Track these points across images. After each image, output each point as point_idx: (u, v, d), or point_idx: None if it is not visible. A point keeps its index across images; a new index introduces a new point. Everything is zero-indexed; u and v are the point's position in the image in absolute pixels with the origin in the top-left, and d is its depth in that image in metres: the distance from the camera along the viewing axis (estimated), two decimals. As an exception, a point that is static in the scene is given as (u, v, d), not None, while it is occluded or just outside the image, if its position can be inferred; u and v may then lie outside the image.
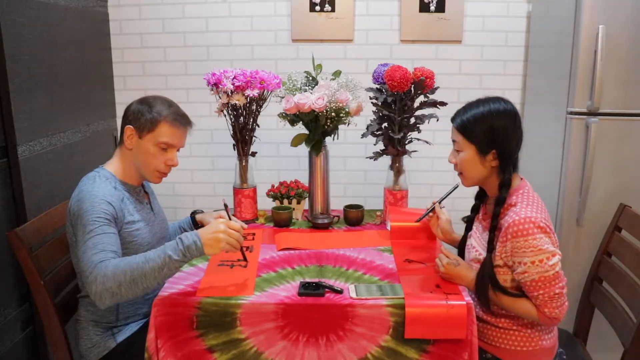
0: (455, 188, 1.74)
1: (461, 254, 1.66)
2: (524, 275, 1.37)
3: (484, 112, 1.45)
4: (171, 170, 1.64)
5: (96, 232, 1.41)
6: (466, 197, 1.99)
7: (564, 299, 1.38)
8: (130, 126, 1.56)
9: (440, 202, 1.77)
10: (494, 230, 1.46)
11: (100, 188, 1.50)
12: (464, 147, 1.48)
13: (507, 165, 1.46)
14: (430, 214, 1.77)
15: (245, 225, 1.48)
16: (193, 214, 1.98)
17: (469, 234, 1.65)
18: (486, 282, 1.45)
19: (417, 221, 1.79)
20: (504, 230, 1.41)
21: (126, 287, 1.33)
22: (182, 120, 1.60)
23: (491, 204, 1.52)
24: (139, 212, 1.61)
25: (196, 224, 1.96)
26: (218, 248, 1.37)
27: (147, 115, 1.55)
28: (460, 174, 1.55)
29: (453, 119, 1.52)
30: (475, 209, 1.66)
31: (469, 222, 1.67)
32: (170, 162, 1.60)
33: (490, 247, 1.47)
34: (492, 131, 1.44)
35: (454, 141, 1.53)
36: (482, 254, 1.50)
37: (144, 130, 1.56)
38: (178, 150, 1.63)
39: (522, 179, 1.53)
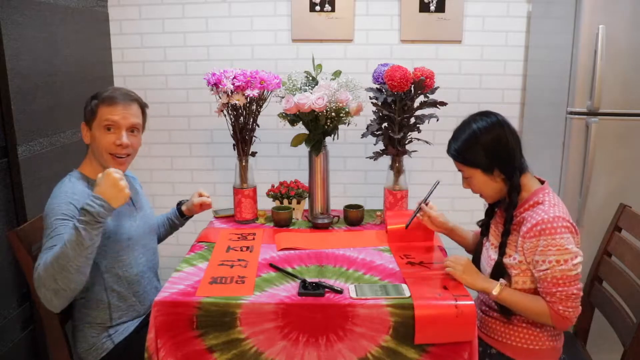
0: (436, 185, 1.77)
1: (477, 258, 1.64)
2: (546, 272, 1.37)
3: (471, 134, 1.48)
4: (126, 152, 1.58)
5: (50, 235, 1.42)
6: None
7: (579, 302, 1.38)
8: (83, 122, 1.60)
9: (425, 202, 1.77)
10: (507, 234, 1.48)
11: (66, 188, 1.50)
12: (470, 173, 1.51)
13: (513, 172, 1.48)
14: (419, 215, 1.77)
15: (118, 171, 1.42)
16: (179, 204, 1.97)
17: (484, 238, 1.64)
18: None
19: (406, 227, 1.78)
20: (531, 226, 1.40)
21: (61, 277, 1.33)
22: (118, 96, 1.57)
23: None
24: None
25: (182, 214, 1.96)
26: (123, 197, 1.40)
27: (88, 106, 1.58)
28: (480, 196, 1.57)
29: (448, 151, 1.55)
30: (489, 214, 1.64)
31: (483, 226, 1.65)
32: (118, 141, 1.55)
33: (502, 251, 1.48)
34: (485, 150, 1.46)
35: (460, 171, 1.55)
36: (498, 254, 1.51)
37: (90, 121, 1.58)
38: (132, 130, 1.59)
39: (545, 181, 1.53)
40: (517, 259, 1.45)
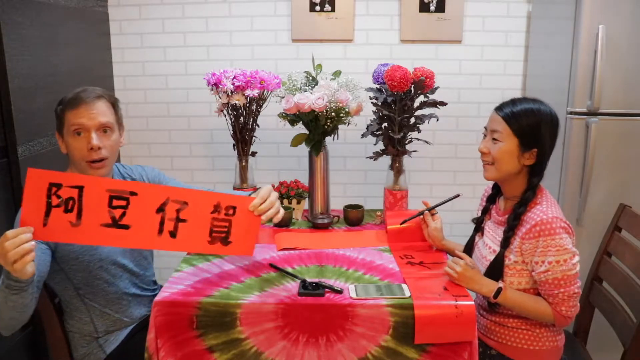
0: (454, 197, 1.74)
1: (468, 254, 1.63)
2: (547, 273, 1.38)
3: (535, 109, 1.45)
4: (100, 155, 1.48)
5: None
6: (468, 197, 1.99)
7: (578, 300, 1.40)
8: (56, 132, 1.53)
9: (431, 210, 1.76)
10: (512, 229, 1.46)
11: None
12: (506, 139, 1.45)
13: (541, 167, 1.47)
14: (421, 217, 1.77)
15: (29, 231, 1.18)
16: None
17: (478, 234, 1.64)
18: (497, 277, 1.46)
19: (402, 223, 1.77)
20: (530, 227, 1.40)
21: None
22: (80, 98, 1.46)
23: (510, 201, 1.53)
24: None
25: None
26: (19, 269, 1.14)
27: (55, 114, 1.51)
28: (488, 164, 1.50)
29: (499, 109, 1.49)
30: (486, 211, 1.64)
31: (478, 223, 1.66)
32: (89, 144, 1.45)
33: (506, 243, 1.46)
34: (539, 130, 1.43)
35: (493, 131, 1.48)
36: (497, 250, 1.50)
37: (60, 129, 1.50)
38: (104, 130, 1.49)
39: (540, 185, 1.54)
40: (512, 259, 1.46)
